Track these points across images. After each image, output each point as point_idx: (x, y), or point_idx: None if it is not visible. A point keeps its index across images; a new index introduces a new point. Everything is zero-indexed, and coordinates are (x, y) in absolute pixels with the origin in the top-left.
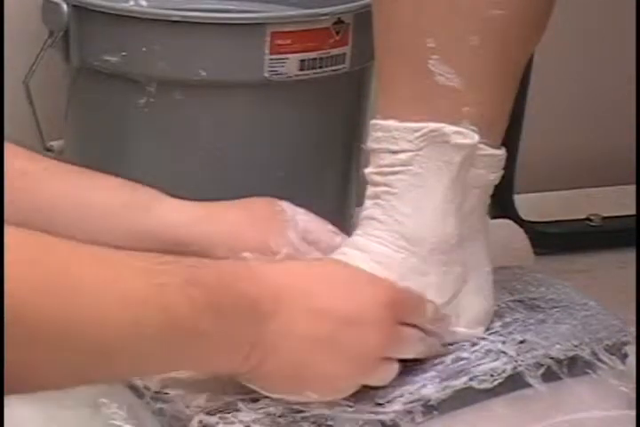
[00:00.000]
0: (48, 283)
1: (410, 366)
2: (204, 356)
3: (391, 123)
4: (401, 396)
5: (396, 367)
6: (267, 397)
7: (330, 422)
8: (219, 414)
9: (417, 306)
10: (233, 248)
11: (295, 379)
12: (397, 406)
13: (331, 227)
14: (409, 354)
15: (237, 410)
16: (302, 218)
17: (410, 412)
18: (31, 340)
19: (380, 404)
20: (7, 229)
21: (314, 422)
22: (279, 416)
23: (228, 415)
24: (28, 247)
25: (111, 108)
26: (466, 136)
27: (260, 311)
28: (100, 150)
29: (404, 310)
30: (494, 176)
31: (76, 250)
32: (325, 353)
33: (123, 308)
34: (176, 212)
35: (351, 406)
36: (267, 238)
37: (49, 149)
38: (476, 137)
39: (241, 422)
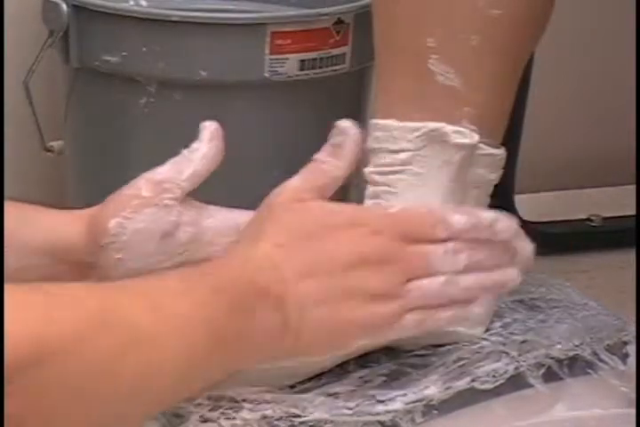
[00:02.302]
0: (101, 321)
1: (412, 370)
2: (246, 355)
3: (391, 122)
4: (403, 395)
5: (429, 282)
6: (266, 399)
7: (328, 426)
8: (220, 410)
9: (424, 224)
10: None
11: (336, 334)
12: (398, 405)
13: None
14: (442, 267)
15: (238, 409)
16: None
17: (410, 412)
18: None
19: (381, 401)
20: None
21: (312, 426)
22: (277, 420)
23: (230, 411)
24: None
25: (111, 108)
26: (465, 136)
27: (275, 295)
28: (99, 150)
29: (402, 230)
30: (494, 176)
31: (113, 289)
32: (349, 301)
33: (176, 335)
34: (58, 223)
35: (350, 409)
36: None
37: (49, 149)
38: (476, 137)
39: (243, 419)
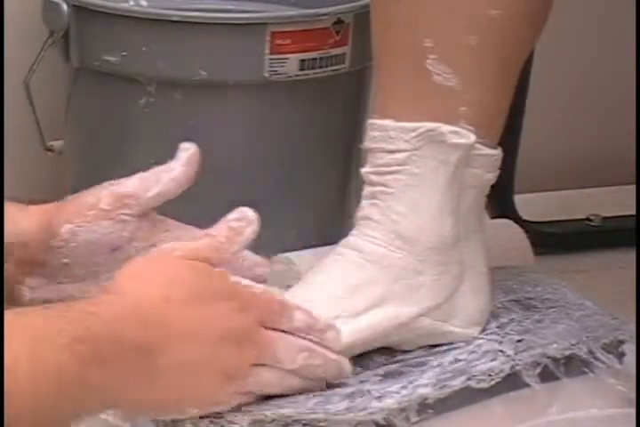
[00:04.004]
0: None
1: (408, 369)
2: (96, 405)
3: (388, 122)
4: (397, 393)
5: (269, 374)
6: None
7: (323, 424)
8: (209, 419)
9: (278, 311)
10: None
11: (179, 401)
12: (392, 402)
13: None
14: (282, 361)
15: (229, 415)
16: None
17: (404, 410)
18: None
19: (376, 397)
20: None
21: (306, 425)
22: (269, 422)
23: (219, 420)
24: None
25: (111, 108)
26: (462, 136)
27: (149, 354)
28: (100, 150)
29: (262, 313)
30: (490, 176)
31: None
32: (203, 372)
33: (16, 376)
34: (16, 216)
35: (345, 408)
36: None
37: (49, 149)
38: (473, 137)
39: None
